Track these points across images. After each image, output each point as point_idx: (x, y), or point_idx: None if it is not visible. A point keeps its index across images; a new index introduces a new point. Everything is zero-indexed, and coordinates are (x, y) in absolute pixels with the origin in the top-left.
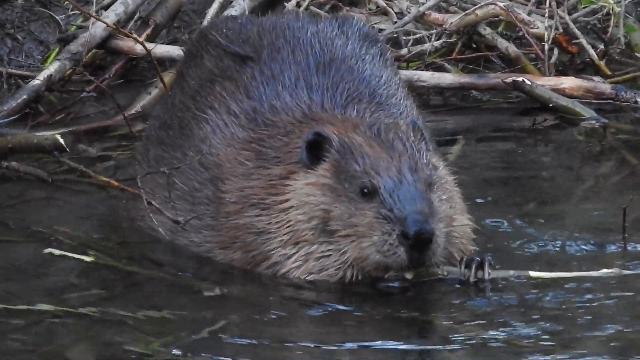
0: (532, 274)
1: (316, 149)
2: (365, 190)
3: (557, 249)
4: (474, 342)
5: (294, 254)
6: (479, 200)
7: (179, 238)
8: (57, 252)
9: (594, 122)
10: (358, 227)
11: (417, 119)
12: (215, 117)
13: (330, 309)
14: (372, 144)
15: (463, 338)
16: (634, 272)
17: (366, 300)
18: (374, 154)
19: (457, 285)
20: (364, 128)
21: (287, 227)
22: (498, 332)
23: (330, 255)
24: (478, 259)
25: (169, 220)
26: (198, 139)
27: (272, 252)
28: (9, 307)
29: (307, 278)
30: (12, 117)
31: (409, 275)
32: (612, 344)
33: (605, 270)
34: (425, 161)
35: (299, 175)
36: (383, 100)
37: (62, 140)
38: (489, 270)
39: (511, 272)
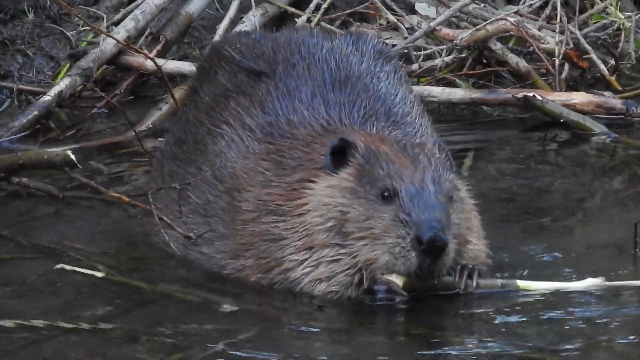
0: (519, 283)
1: (340, 155)
2: (386, 194)
3: (567, 264)
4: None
5: (306, 259)
6: (489, 215)
7: (190, 252)
8: (68, 267)
9: (604, 137)
10: (374, 229)
11: (433, 137)
12: (231, 132)
13: (343, 324)
14: (398, 155)
15: (473, 352)
16: (617, 282)
17: (377, 316)
18: (399, 162)
19: (449, 296)
20: (391, 141)
21: (302, 231)
22: (513, 345)
23: (341, 259)
24: (470, 266)
25: (181, 235)
26: (213, 154)
27: (285, 257)
28: (21, 322)
29: (316, 288)
30: (23, 133)
31: (400, 282)
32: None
33: (590, 280)
34: (448, 177)
35: (320, 178)
36: (399, 119)
37: (72, 156)
38: (477, 280)
39: (499, 282)
